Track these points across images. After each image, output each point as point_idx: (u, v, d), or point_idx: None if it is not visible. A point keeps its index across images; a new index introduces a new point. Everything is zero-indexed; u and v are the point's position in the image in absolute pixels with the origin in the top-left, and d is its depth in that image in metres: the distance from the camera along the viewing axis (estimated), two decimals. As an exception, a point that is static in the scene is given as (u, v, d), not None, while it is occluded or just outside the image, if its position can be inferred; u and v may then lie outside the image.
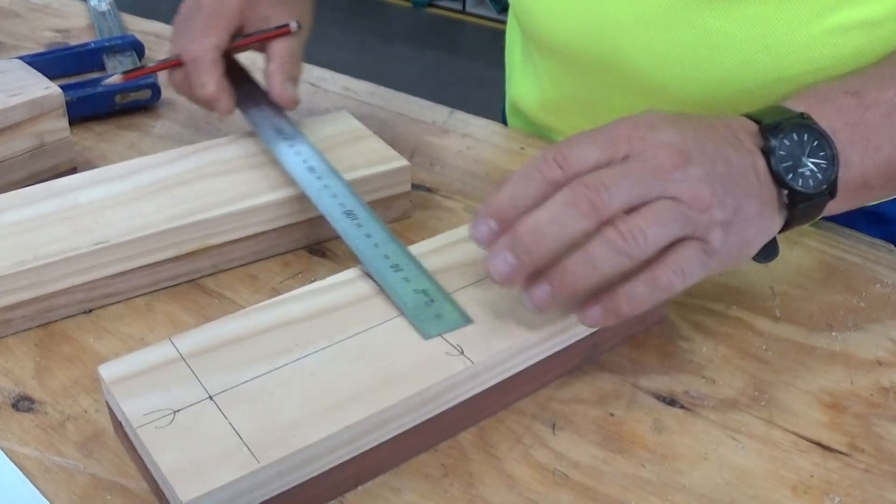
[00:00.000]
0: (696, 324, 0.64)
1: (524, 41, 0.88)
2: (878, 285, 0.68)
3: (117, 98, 0.88)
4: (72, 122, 0.79)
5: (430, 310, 0.56)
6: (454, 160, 0.82)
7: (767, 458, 0.54)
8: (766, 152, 0.56)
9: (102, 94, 0.88)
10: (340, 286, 0.58)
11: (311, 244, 0.71)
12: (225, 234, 0.66)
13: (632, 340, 0.62)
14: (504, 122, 1.01)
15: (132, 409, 0.49)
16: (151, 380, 0.51)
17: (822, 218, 0.60)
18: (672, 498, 0.52)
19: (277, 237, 0.69)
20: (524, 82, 0.90)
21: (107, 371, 0.52)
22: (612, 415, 0.57)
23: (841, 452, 0.55)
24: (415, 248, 0.61)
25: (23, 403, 0.57)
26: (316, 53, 1.17)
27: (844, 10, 0.68)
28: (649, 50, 0.72)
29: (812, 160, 0.57)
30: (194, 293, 0.66)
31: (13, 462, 0.53)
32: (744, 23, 0.69)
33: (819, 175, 0.57)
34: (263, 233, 0.68)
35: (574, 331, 0.57)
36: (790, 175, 0.56)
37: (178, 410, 0.49)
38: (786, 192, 0.56)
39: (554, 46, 0.79)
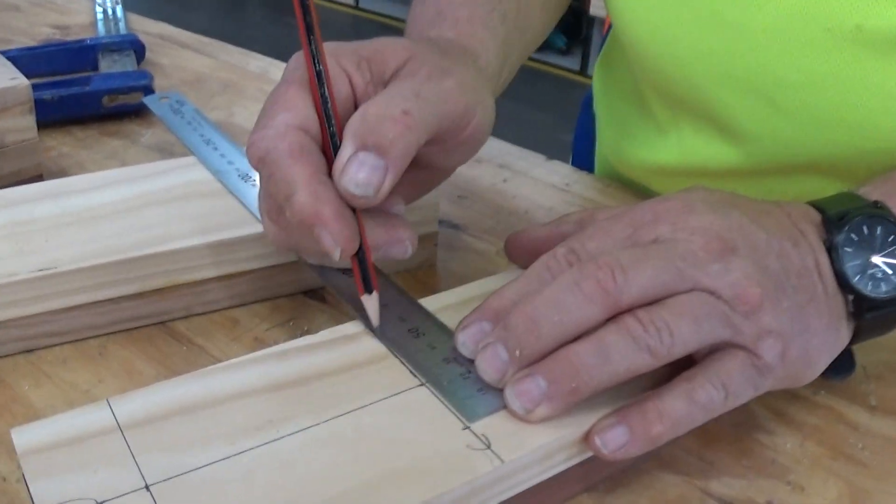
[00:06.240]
0: (778, 412, 0.53)
1: (646, 99, 0.78)
2: None
3: (105, 100, 0.81)
4: (52, 125, 0.76)
5: (470, 383, 0.44)
6: (487, 194, 0.73)
7: None
8: (830, 248, 0.49)
9: (88, 94, 0.80)
10: (337, 343, 0.46)
11: (307, 289, 0.60)
12: (201, 269, 0.55)
13: (701, 431, 0.50)
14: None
15: (44, 494, 0.38)
16: (76, 454, 0.39)
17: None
18: None
19: (266, 278, 0.58)
20: (640, 143, 0.80)
21: (21, 437, 0.40)
22: (676, 533, 0.45)
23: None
24: (434, 301, 0.50)
25: (-71, 464, 0.46)
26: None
27: None
28: (817, 109, 0.62)
29: (885, 259, 0.49)
30: (159, 337, 0.55)
31: None
32: None
33: (893, 277, 0.49)
34: (249, 272, 0.57)
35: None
36: (857, 276, 0.48)
37: (103, 502, 0.37)
38: (851, 297, 0.49)
39: (702, 108, 0.69)
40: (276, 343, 0.48)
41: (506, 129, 0.77)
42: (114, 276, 0.53)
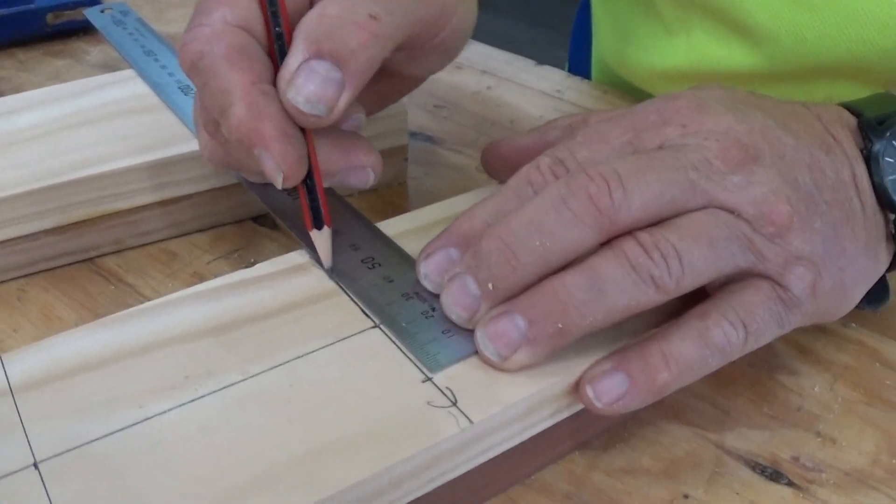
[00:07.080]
0: (802, 349, 0.46)
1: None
2: None
3: (49, 17, 0.74)
4: (-5, 49, 0.71)
5: (434, 323, 0.37)
6: (468, 103, 0.66)
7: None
8: (868, 158, 0.43)
9: (30, 12, 0.74)
10: (276, 278, 0.39)
11: (256, 214, 0.53)
12: (133, 195, 0.48)
13: (713, 372, 0.43)
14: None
15: (-87, 476, 0.31)
16: (-43, 425, 0.32)
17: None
18: None
19: (209, 203, 0.51)
20: (645, 46, 0.73)
21: None
22: (686, 496, 0.38)
23: None
24: (394, 225, 0.43)
25: None
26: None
27: None
28: (843, 2, 0.56)
29: None
30: (85, 276, 0.48)
31: None
32: None
33: None
34: (189, 196, 0.50)
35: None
36: None
37: (-17, 484, 0.30)
38: (893, 216, 0.43)
39: (713, 4, 0.62)
40: (218, 276, 0.41)
41: (494, 44, 0.71)
42: (31, 209, 0.47)
